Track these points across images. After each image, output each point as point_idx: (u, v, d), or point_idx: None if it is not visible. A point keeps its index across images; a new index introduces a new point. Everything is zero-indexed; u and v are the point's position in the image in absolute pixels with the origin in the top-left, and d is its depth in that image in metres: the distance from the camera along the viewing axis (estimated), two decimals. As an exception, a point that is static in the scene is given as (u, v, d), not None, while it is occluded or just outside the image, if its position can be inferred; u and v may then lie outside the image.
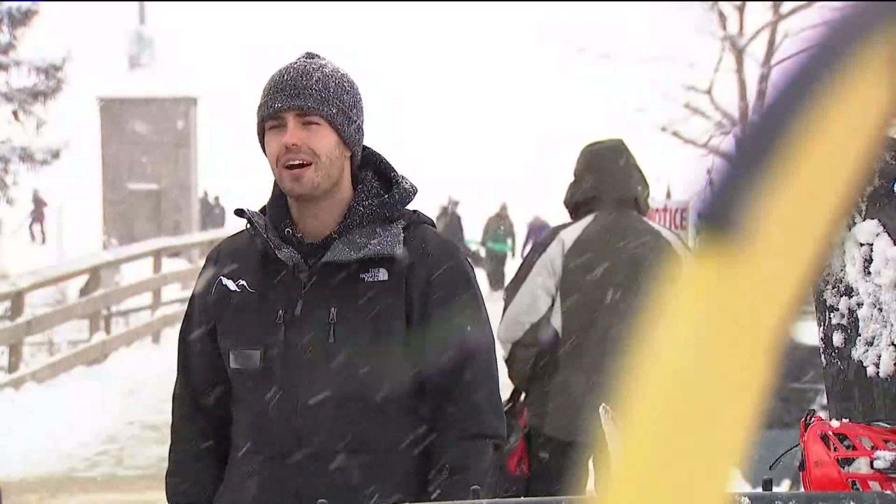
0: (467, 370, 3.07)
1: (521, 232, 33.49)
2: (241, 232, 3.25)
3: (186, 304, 3.33)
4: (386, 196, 3.13)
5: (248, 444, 3.10)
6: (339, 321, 3.04)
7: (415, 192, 3.18)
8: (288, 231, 3.11)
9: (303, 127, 3.03)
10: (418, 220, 3.16)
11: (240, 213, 3.16)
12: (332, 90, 3.06)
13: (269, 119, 3.05)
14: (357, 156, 3.14)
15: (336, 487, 3.01)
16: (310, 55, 3.17)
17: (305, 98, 3.03)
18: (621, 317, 5.49)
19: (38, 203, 41.73)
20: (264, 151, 3.10)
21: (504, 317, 5.55)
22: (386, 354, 3.04)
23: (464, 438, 3.05)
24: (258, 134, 3.11)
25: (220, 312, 3.14)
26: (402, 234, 3.09)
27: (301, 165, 3.02)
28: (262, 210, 3.18)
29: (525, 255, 28.44)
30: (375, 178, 3.17)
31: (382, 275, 3.06)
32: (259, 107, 3.09)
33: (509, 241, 32.18)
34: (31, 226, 42.19)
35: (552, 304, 5.54)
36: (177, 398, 3.25)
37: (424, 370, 3.06)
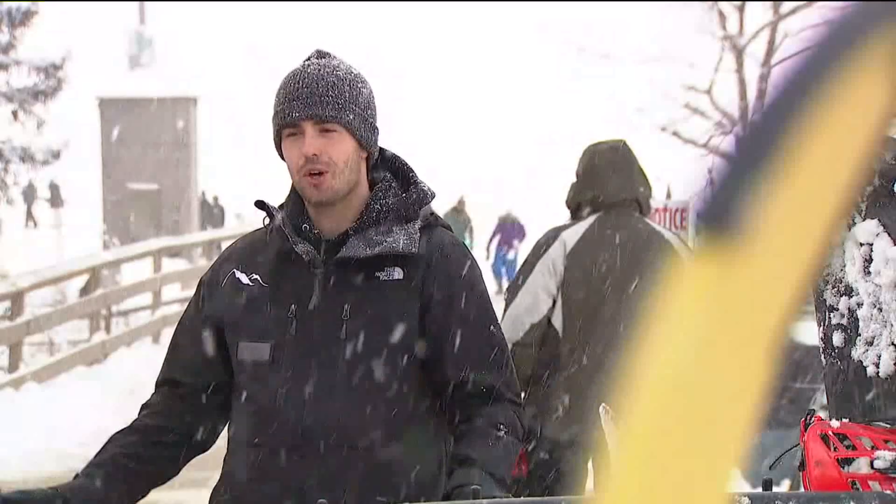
0: (489, 369, 3.07)
1: (480, 227, 33.23)
2: (257, 229, 3.25)
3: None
4: (404, 195, 3.14)
5: (253, 437, 3.08)
6: (352, 317, 3.04)
7: (432, 195, 3.18)
8: (305, 227, 3.11)
9: (320, 135, 3.03)
10: (435, 222, 3.17)
11: (260, 205, 3.16)
12: (348, 95, 3.05)
13: (286, 127, 3.05)
14: (374, 155, 3.14)
15: (342, 483, 3.00)
16: (321, 54, 3.15)
17: (323, 107, 3.02)
18: (622, 317, 5.49)
19: None
20: (281, 156, 3.11)
21: (505, 317, 5.55)
22: (397, 352, 3.04)
23: (490, 410, 3.05)
24: (274, 139, 3.11)
25: (231, 305, 3.13)
26: (419, 235, 3.10)
27: (321, 173, 3.02)
28: (281, 206, 3.19)
29: (489, 250, 27.86)
30: (394, 179, 3.17)
31: (398, 274, 3.06)
32: (275, 114, 3.07)
33: (467, 237, 31.76)
34: None
35: (553, 305, 5.54)
36: (156, 383, 3.24)
37: (447, 372, 3.06)
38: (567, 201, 5.80)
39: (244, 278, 3.13)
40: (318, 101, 3.02)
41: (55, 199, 42.92)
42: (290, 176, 3.09)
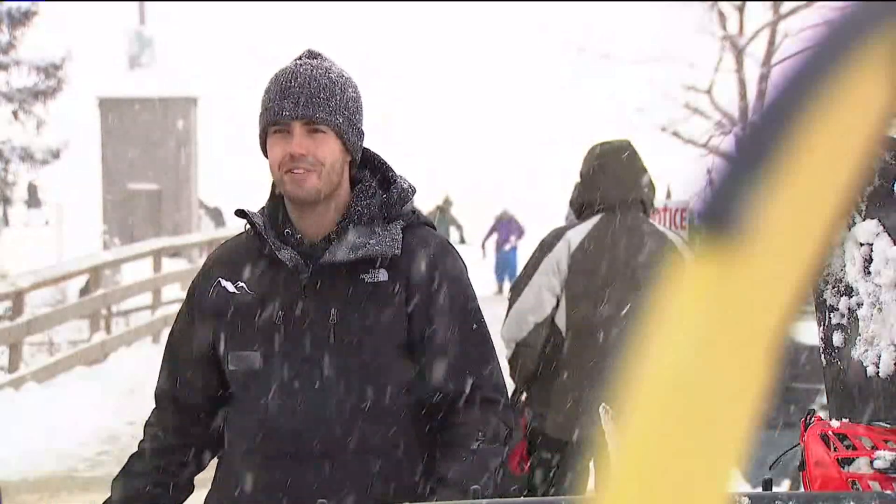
0: (471, 369, 3.07)
1: (478, 227, 33.19)
2: (239, 234, 3.25)
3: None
4: (384, 196, 3.13)
5: (246, 445, 3.09)
6: (339, 322, 3.03)
7: (413, 191, 3.17)
8: (287, 232, 3.10)
9: (308, 135, 3.02)
10: (417, 220, 3.16)
11: (240, 213, 3.15)
12: (338, 98, 3.05)
13: (275, 125, 3.05)
14: (357, 158, 3.14)
15: (336, 488, 3.00)
16: (312, 55, 3.15)
17: (314, 108, 3.01)
18: (625, 318, 5.49)
19: None
20: (264, 152, 3.10)
21: (508, 316, 5.56)
22: (386, 355, 3.04)
23: (476, 409, 3.06)
24: (260, 136, 3.10)
25: (218, 314, 3.13)
26: (401, 235, 3.09)
27: (304, 171, 3.01)
28: (261, 211, 3.18)
29: (484, 246, 28.06)
30: (373, 178, 3.16)
31: (382, 275, 3.06)
32: (263, 111, 3.07)
33: (454, 234, 31.58)
34: None
35: (557, 304, 5.55)
36: (156, 398, 3.26)
37: (431, 372, 3.06)
38: (571, 201, 5.81)
39: (230, 286, 3.13)
40: (309, 101, 3.01)
41: (33, 200, 42.80)
42: (271, 173, 3.08)
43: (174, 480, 3.18)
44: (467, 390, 3.05)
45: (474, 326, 3.10)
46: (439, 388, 3.05)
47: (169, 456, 3.18)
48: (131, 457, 3.23)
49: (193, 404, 3.18)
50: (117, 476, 3.20)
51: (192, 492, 3.25)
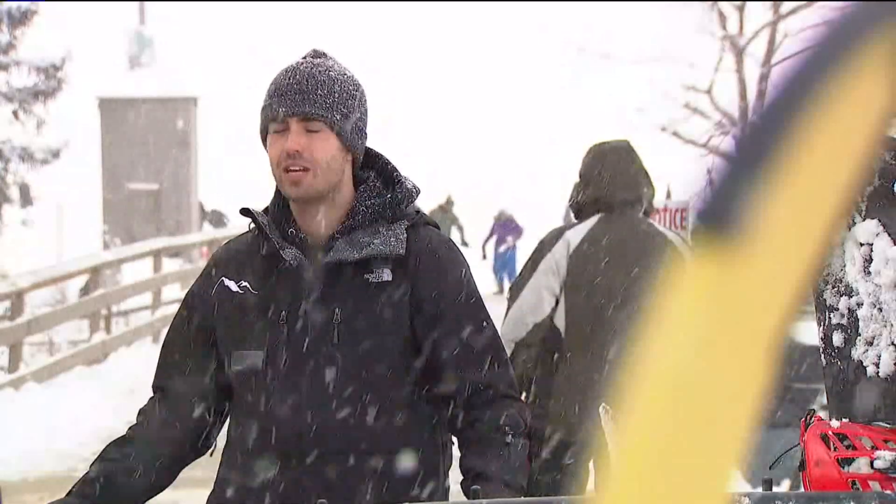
0: (484, 368, 3.06)
1: (478, 226, 33.11)
2: (243, 233, 3.25)
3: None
4: (389, 196, 3.13)
5: (249, 445, 3.09)
6: (343, 321, 3.03)
7: (417, 192, 3.18)
8: (291, 231, 3.10)
9: (305, 133, 3.02)
10: (421, 220, 3.16)
11: (245, 212, 3.15)
12: (336, 95, 3.05)
13: (273, 122, 3.05)
14: (359, 158, 3.14)
15: (340, 489, 3.00)
16: (317, 54, 3.15)
17: (310, 104, 3.02)
18: (624, 318, 5.49)
19: None
20: (266, 150, 3.10)
21: (508, 316, 5.56)
22: (390, 354, 3.04)
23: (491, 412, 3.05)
24: (261, 133, 3.10)
25: (221, 314, 3.12)
26: (406, 235, 3.09)
27: (301, 170, 3.02)
28: (265, 210, 3.18)
29: (485, 248, 27.85)
30: (378, 178, 3.16)
31: (387, 275, 3.06)
32: (263, 108, 3.08)
33: (455, 234, 31.48)
34: None
35: (556, 304, 5.54)
36: (152, 390, 3.25)
37: (446, 371, 3.05)
38: (570, 201, 5.81)
39: (233, 286, 3.12)
40: (306, 98, 3.02)
41: (25, 199, 42.78)
42: (271, 171, 3.09)
43: (146, 469, 3.12)
44: (484, 387, 3.04)
45: (484, 324, 3.10)
46: (456, 385, 3.04)
47: (141, 446, 3.15)
48: (112, 441, 3.22)
49: (185, 399, 3.16)
50: (96, 459, 3.19)
51: (168, 485, 3.21)
